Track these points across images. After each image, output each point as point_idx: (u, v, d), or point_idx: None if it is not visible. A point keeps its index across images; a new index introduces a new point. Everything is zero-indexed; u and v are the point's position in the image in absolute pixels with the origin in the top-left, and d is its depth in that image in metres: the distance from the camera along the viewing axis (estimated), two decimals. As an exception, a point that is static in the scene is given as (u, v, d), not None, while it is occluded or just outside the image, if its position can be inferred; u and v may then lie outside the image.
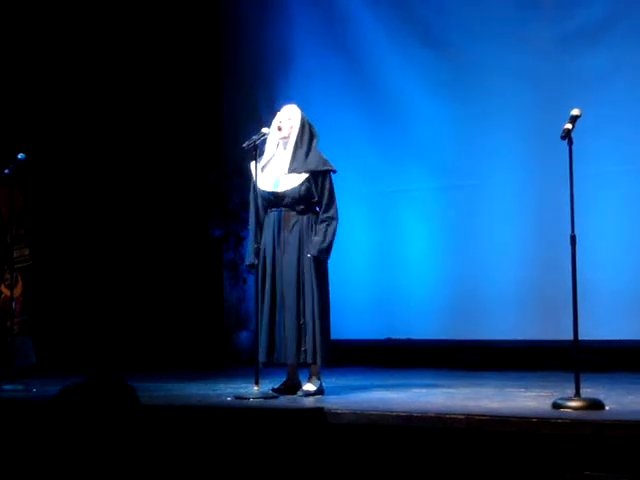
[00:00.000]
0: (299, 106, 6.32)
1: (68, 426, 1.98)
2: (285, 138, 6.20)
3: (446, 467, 4.67)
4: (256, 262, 6.16)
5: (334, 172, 6.23)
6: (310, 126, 6.27)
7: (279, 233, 6.14)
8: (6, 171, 6.88)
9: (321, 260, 6.13)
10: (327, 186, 6.17)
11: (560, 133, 5.23)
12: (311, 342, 6.03)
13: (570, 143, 5.20)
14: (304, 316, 6.05)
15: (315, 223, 6.15)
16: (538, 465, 4.46)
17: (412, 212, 8.90)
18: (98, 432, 1.98)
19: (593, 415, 4.79)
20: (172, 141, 9.52)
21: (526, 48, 8.39)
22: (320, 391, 6.09)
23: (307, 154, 6.19)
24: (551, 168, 7.56)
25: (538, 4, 8.44)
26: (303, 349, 6.03)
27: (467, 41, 8.67)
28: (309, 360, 6.05)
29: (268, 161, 6.21)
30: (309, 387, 6.09)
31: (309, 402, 5.75)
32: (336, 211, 6.18)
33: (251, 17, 9.74)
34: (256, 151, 6.11)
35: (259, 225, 6.19)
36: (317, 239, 6.09)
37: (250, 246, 6.31)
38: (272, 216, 6.18)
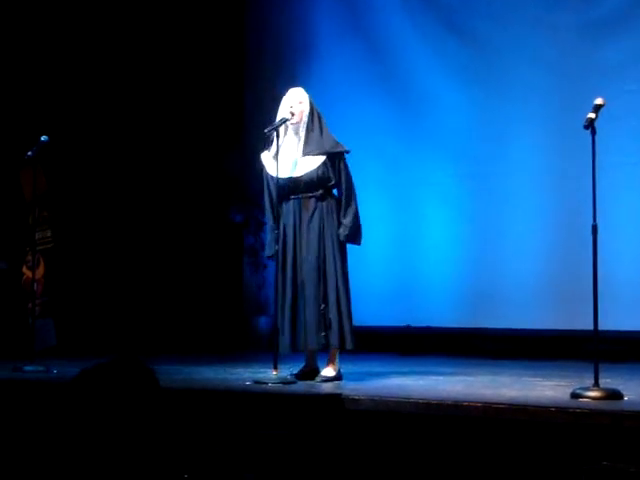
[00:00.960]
0: (307, 89, 6.32)
1: (87, 408, 1.98)
2: (297, 122, 6.19)
3: (463, 455, 4.67)
4: (276, 251, 6.17)
5: (347, 152, 6.23)
6: (316, 107, 6.27)
7: (300, 221, 6.14)
8: (29, 153, 6.92)
9: (343, 245, 6.15)
10: (343, 167, 6.17)
11: (583, 122, 5.20)
12: (336, 327, 6.04)
13: (593, 132, 5.17)
14: (326, 302, 6.06)
15: (335, 207, 6.15)
16: (555, 455, 4.46)
17: (432, 200, 8.89)
18: (118, 414, 1.98)
19: (612, 405, 4.79)
20: (194, 126, 9.53)
21: (550, 36, 8.35)
22: (338, 377, 6.10)
23: (320, 135, 6.19)
24: (573, 157, 7.53)
25: (563, -8, 8.39)
26: (323, 334, 6.04)
27: (490, 28, 8.63)
28: (334, 344, 6.06)
29: (281, 147, 6.19)
30: (328, 372, 6.10)
31: (327, 388, 5.76)
32: (355, 194, 6.19)
33: (274, 2, 9.73)
34: (277, 137, 6.10)
35: (276, 215, 6.18)
36: (347, 221, 6.11)
37: (269, 238, 6.32)
38: (291, 203, 6.17)
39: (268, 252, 6.38)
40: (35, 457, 4.93)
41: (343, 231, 6.12)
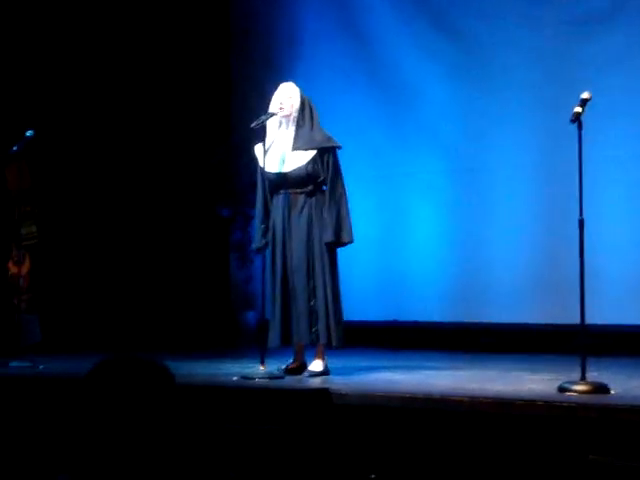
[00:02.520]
0: (297, 84, 6.30)
1: (104, 404, 1.96)
2: (287, 117, 6.17)
3: (450, 449, 4.68)
4: (262, 244, 6.16)
5: (339, 148, 6.20)
6: (309, 102, 6.24)
7: (288, 216, 6.12)
8: (14, 148, 6.89)
9: (337, 243, 6.11)
10: (333, 163, 6.13)
11: (570, 116, 5.21)
12: (324, 323, 6.03)
13: (580, 127, 5.18)
14: (315, 297, 6.05)
15: (324, 204, 6.11)
16: (543, 448, 4.47)
17: (420, 195, 8.89)
18: (136, 410, 1.97)
19: (598, 399, 4.80)
20: (180, 120, 9.50)
21: (538, 31, 8.35)
22: (326, 372, 6.10)
23: (311, 130, 6.16)
24: (560, 151, 7.54)
25: (550, -13, 8.40)
26: (314, 329, 6.04)
27: (477, 24, 8.63)
28: (322, 340, 6.05)
29: (272, 142, 6.18)
30: (315, 367, 6.10)
31: (315, 382, 5.76)
32: (344, 188, 6.14)
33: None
34: (264, 132, 6.09)
35: (266, 209, 6.17)
36: (330, 221, 6.04)
37: (256, 230, 6.30)
38: (280, 199, 6.15)
39: (254, 245, 6.37)
40: (22, 452, 4.91)
41: (327, 233, 6.03)
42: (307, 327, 6.04)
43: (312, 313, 6.04)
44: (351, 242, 6.17)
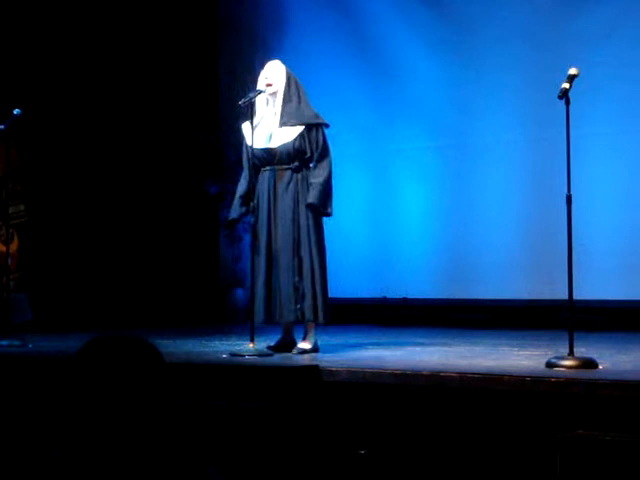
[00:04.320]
0: (284, 61, 6.28)
1: (95, 381, 1.97)
2: (274, 94, 6.15)
3: (440, 425, 4.70)
4: (238, 216, 6.18)
5: (327, 126, 6.18)
6: (296, 80, 6.22)
7: (274, 192, 6.10)
8: (1, 127, 6.84)
9: (318, 217, 6.09)
10: (321, 140, 6.10)
11: (557, 93, 5.20)
12: (310, 300, 6.02)
13: (567, 103, 5.17)
14: (300, 275, 6.04)
15: (310, 177, 6.10)
16: (531, 423, 4.49)
17: (408, 171, 8.89)
18: (126, 388, 1.97)
19: (586, 374, 4.82)
20: (168, 99, 9.47)
21: (526, 7, 8.34)
22: (315, 349, 6.11)
23: (298, 106, 6.14)
24: (548, 128, 7.54)
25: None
26: (298, 307, 6.03)
27: (466, 1, 8.61)
28: (308, 317, 6.04)
29: (260, 119, 6.16)
30: (304, 345, 6.11)
31: (304, 360, 5.77)
32: (331, 166, 6.12)
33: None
34: (252, 110, 6.07)
35: (249, 184, 6.14)
36: (316, 182, 6.03)
37: (235, 201, 6.27)
38: (266, 175, 6.14)
39: (230, 215, 6.35)
40: (12, 430, 4.92)
41: (312, 195, 6.01)
42: (291, 304, 6.03)
43: (296, 290, 6.03)
44: (330, 215, 6.13)
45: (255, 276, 6.10)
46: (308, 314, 6.03)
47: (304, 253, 6.03)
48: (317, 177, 6.05)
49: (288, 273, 6.04)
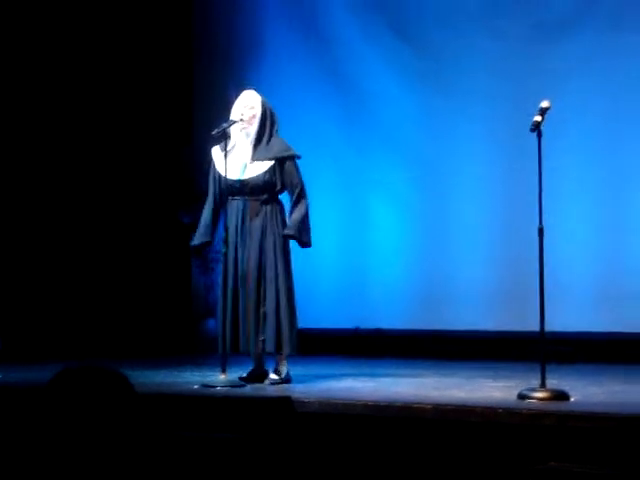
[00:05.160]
0: (259, 92, 6.30)
1: (66, 413, 1.95)
2: (247, 127, 6.17)
3: (413, 456, 4.68)
4: (200, 243, 6.19)
5: (298, 157, 6.21)
6: (271, 112, 6.24)
7: (242, 222, 6.11)
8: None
9: (286, 247, 6.11)
10: (294, 173, 6.15)
11: (529, 125, 5.24)
12: (273, 331, 5.99)
13: (539, 135, 5.22)
14: (264, 305, 6.03)
15: (279, 211, 6.14)
16: (504, 455, 4.48)
17: (382, 202, 8.91)
18: (97, 419, 1.95)
19: (558, 406, 4.83)
20: (142, 125, 9.45)
21: (497, 40, 8.41)
22: (286, 380, 6.08)
23: (269, 141, 6.17)
24: (520, 159, 7.59)
25: (510, -4, 8.47)
26: (262, 338, 6.01)
27: (439, 33, 8.68)
28: (269, 349, 6.02)
29: (232, 147, 6.17)
30: (275, 376, 6.08)
31: (276, 391, 5.75)
32: (306, 196, 6.16)
33: (222, 0, 9.70)
34: (225, 138, 6.08)
35: (215, 211, 6.17)
36: (294, 218, 6.07)
37: (199, 228, 6.28)
38: (235, 204, 6.15)
39: (192, 242, 6.36)
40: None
41: (289, 228, 6.06)
42: (253, 335, 6.01)
43: (260, 320, 6.01)
44: (309, 245, 6.17)
45: (221, 306, 6.09)
46: (269, 346, 6.00)
47: (269, 283, 6.03)
48: (294, 214, 6.09)
49: (252, 303, 6.03)
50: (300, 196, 6.13)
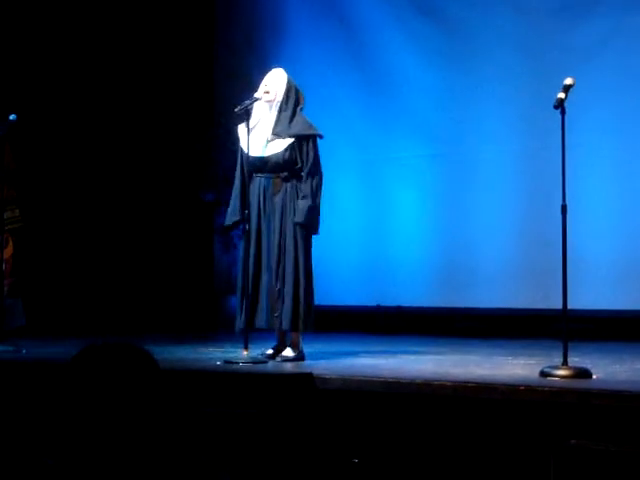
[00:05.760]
0: (286, 70, 6.29)
1: (90, 390, 1.96)
2: (271, 101, 6.17)
3: (433, 433, 4.70)
4: (232, 222, 6.19)
5: (320, 137, 6.18)
6: (296, 90, 6.22)
7: (264, 199, 6.12)
8: (-2, 132, 6.84)
9: (306, 227, 6.09)
10: (312, 152, 6.11)
11: (553, 102, 5.22)
12: (290, 309, 5.99)
13: (563, 112, 5.19)
14: (282, 282, 6.03)
15: (300, 190, 6.11)
16: (525, 433, 4.49)
17: (402, 180, 8.90)
18: (122, 396, 1.97)
19: (580, 384, 4.82)
20: (164, 105, 9.48)
21: (521, 17, 8.36)
22: (299, 357, 6.07)
23: (291, 118, 6.14)
24: (543, 137, 7.56)
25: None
26: (276, 315, 6.02)
27: (462, 10, 8.64)
28: (284, 326, 6.02)
29: (255, 125, 6.17)
30: (287, 353, 6.07)
31: (298, 367, 5.76)
32: (321, 179, 6.12)
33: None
34: (248, 115, 6.08)
35: (243, 189, 6.16)
36: (302, 205, 6.03)
37: (230, 207, 6.28)
38: (257, 181, 6.16)
39: (225, 222, 6.37)
40: (5, 436, 4.91)
41: (299, 212, 6.03)
42: (269, 311, 6.02)
43: (277, 297, 6.02)
44: (316, 233, 6.14)
45: (241, 282, 6.11)
46: (285, 323, 6.00)
47: (288, 261, 6.03)
48: (306, 196, 6.04)
49: (270, 279, 6.05)
50: (308, 174, 6.07)
